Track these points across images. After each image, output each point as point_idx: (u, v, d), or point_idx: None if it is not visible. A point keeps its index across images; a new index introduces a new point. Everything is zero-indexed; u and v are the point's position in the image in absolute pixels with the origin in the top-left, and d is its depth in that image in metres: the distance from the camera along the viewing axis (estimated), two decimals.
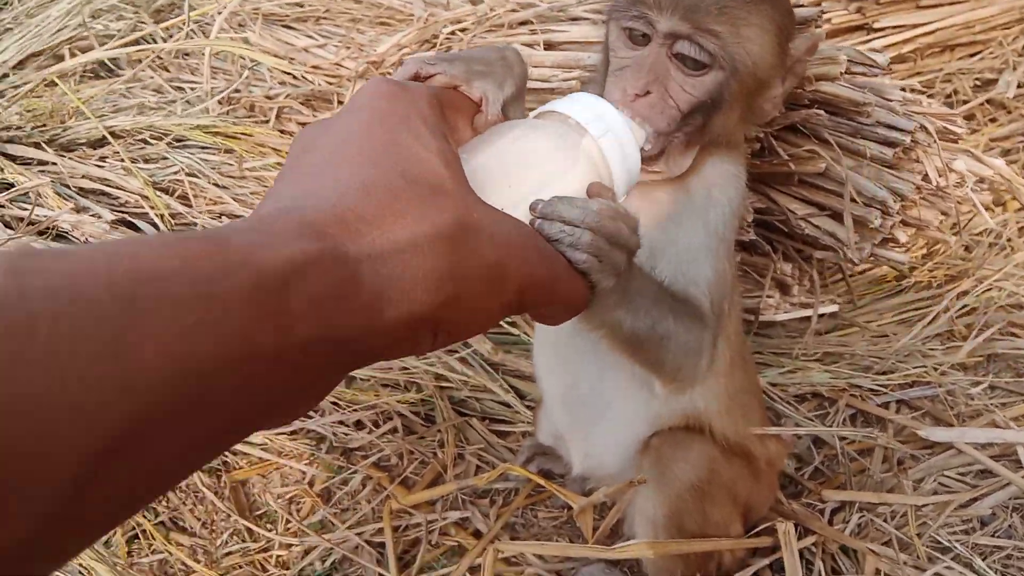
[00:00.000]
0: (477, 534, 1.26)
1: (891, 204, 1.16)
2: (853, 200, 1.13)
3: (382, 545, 1.25)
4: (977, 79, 1.65)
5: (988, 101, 1.64)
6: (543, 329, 1.11)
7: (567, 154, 0.57)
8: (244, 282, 0.35)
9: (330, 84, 1.60)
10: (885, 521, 1.13)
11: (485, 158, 0.54)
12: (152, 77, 1.78)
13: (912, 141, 1.16)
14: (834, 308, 1.31)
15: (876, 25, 1.56)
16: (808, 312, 1.29)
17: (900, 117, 1.14)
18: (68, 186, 1.32)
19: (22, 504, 0.27)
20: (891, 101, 1.15)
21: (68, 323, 0.29)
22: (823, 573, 1.08)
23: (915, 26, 1.58)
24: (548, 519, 1.30)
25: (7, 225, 1.19)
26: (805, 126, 1.16)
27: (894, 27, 1.57)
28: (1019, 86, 1.64)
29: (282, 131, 1.50)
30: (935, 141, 1.17)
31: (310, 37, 1.73)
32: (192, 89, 1.65)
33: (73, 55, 1.81)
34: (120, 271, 0.32)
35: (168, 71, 1.84)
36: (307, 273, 0.37)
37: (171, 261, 0.34)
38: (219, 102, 1.55)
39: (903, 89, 1.17)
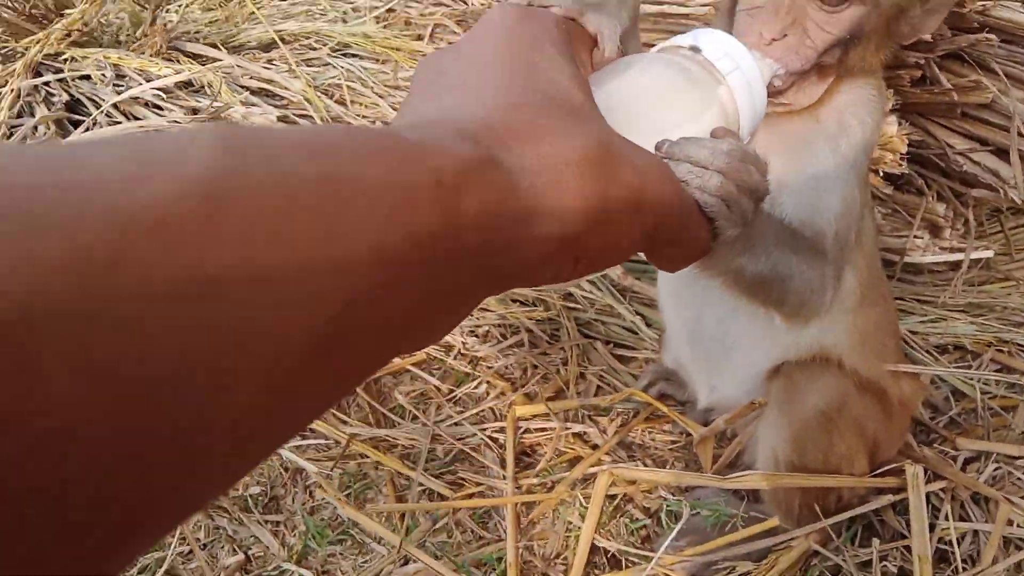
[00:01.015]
0: (595, 448, 1.28)
1: None
2: (1020, 135, 1.06)
3: (502, 446, 1.30)
4: None
5: None
6: None
7: (698, 94, 0.55)
8: (426, 177, 0.33)
9: (483, 5, 1.63)
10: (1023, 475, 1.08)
11: (609, 93, 0.52)
12: None
13: None
14: (989, 253, 1.23)
15: None
16: (958, 256, 1.22)
17: None
18: (238, 85, 1.41)
19: (246, 383, 0.24)
20: None
21: (293, 203, 0.27)
22: (951, 517, 1.04)
23: None
24: (665, 442, 1.31)
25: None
26: (972, 54, 1.09)
27: None
28: None
29: (437, 49, 1.54)
30: None
31: None
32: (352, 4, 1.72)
33: None
34: (323, 154, 0.31)
35: None
36: (475, 177, 0.35)
37: (362, 148, 0.32)
38: (376, 19, 1.61)
39: None
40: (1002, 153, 1.13)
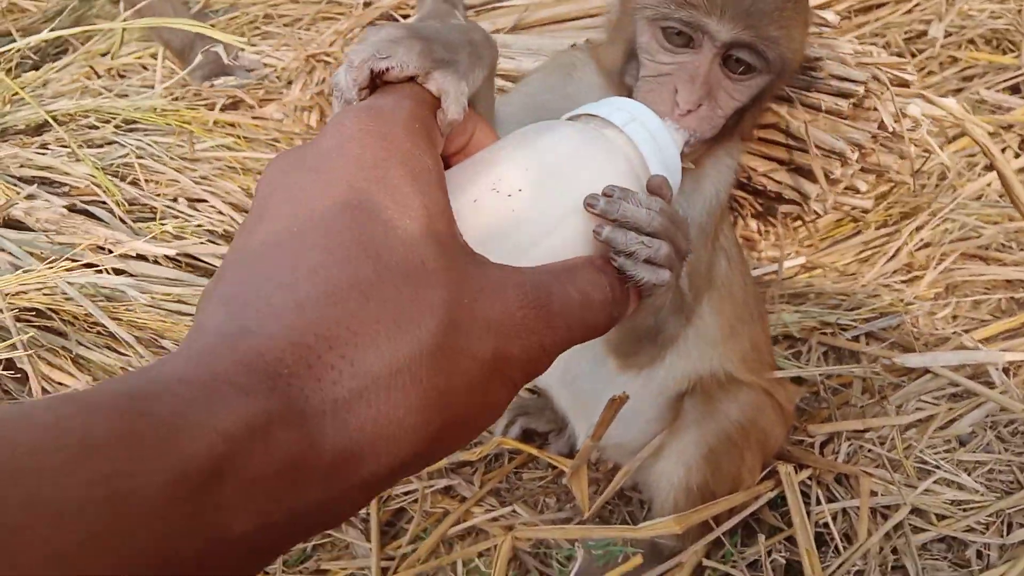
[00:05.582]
0: (463, 501, 1.16)
1: (849, 154, 1.12)
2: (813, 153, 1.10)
3: (363, 520, 1.14)
4: (908, 30, 1.64)
5: (919, 52, 1.63)
6: None
7: (600, 149, 0.46)
8: (163, 477, 0.26)
9: (277, 81, 1.53)
10: (873, 445, 1.08)
11: (502, 175, 0.43)
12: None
13: (866, 91, 1.12)
14: (801, 260, 1.26)
15: None
16: (775, 267, 1.24)
17: (852, 68, 1.10)
18: (11, 175, 1.19)
19: None
20: (843, 55, 1.11)
21: None
22: (821, 500, 1.01)
23: None
24: (533, 480, 1.21)
25: None
26: None
27: None
28: (947, 34, 1.63)
29: (229, 123, 1.41)
30: (888, 88, 1.13)
31: (252, 44, 1.63)
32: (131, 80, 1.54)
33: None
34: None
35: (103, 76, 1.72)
36: (250, 449, 0.28)
37: (60, 451, 0.24)
38: (164, 91, 1.44)
39: (856, 39, 1.13)
40: (798, 170, 1.16)
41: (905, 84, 1.22)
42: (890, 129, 1.18)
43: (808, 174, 1.14)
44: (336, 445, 0.30)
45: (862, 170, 1.26)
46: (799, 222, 1.39)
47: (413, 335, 0.32)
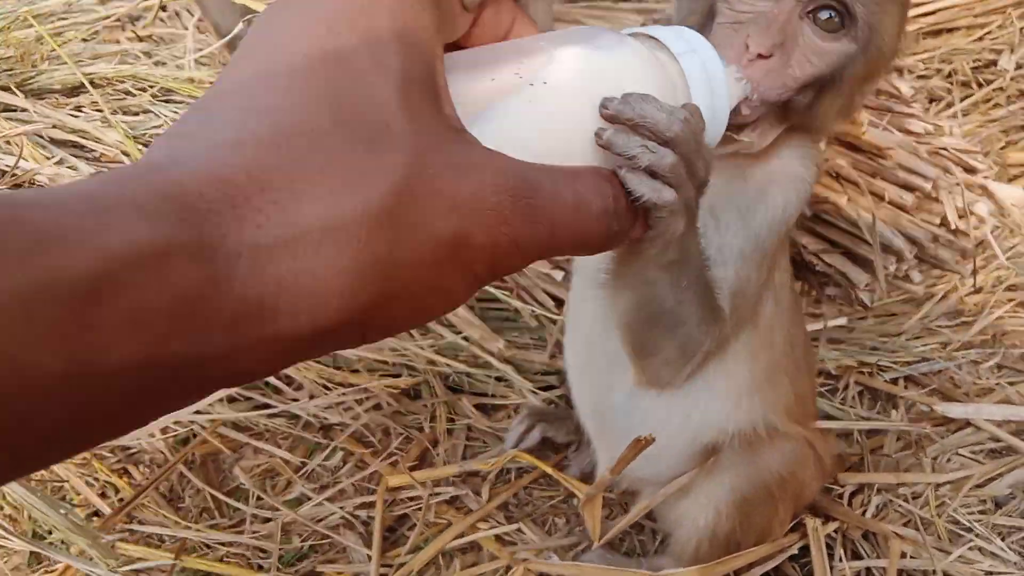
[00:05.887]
0: (470, 513, 1.11)
1: (907, 255, 1.05)
2: (869, 243, 1.03)
3: (364, 524, 1.10)
4: (976, 59, 1.55)
5: (987, 82, 1.54)
6: (574, 325, 0.96)
7: (637, 60, 0.41)
8: (22, 281, 0.23)
9: None
10: (905, 501, 1.01)
11: (504, 69, 0.38)
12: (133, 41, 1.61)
13: (933, 186, 1.05)
14: (842, 320, 1.18)
15: None
16: (817, 325, 1.17)
17: (923, 162, 1.03)
18: (40, 136, 1.15)
19: None
20: (912, 137, 1.03)
21: None
22: (843, 558, 0.95)
23: (916, 5, 1.47)
24: (544, 498, 1.16)
25: None
26: None
27: None
28: (1018, 67, 1.54)
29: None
30: (957, 183, 1.06)
31: None
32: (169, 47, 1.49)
33: None
34: None
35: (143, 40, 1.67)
36: (138, 274, 0.25)
37: None
38: (197, 61, 1.39)
39: (925, 110, 1.06)
40: (849, 255, 1.11)
41: (972, 171, 1.15)
42: (953, 226, 1.11)
43: (860, 261, 1.08)
44: (246, 291, 0.27)
45: (918, 259, 1.19)
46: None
47: (360, 195, 0.29)
